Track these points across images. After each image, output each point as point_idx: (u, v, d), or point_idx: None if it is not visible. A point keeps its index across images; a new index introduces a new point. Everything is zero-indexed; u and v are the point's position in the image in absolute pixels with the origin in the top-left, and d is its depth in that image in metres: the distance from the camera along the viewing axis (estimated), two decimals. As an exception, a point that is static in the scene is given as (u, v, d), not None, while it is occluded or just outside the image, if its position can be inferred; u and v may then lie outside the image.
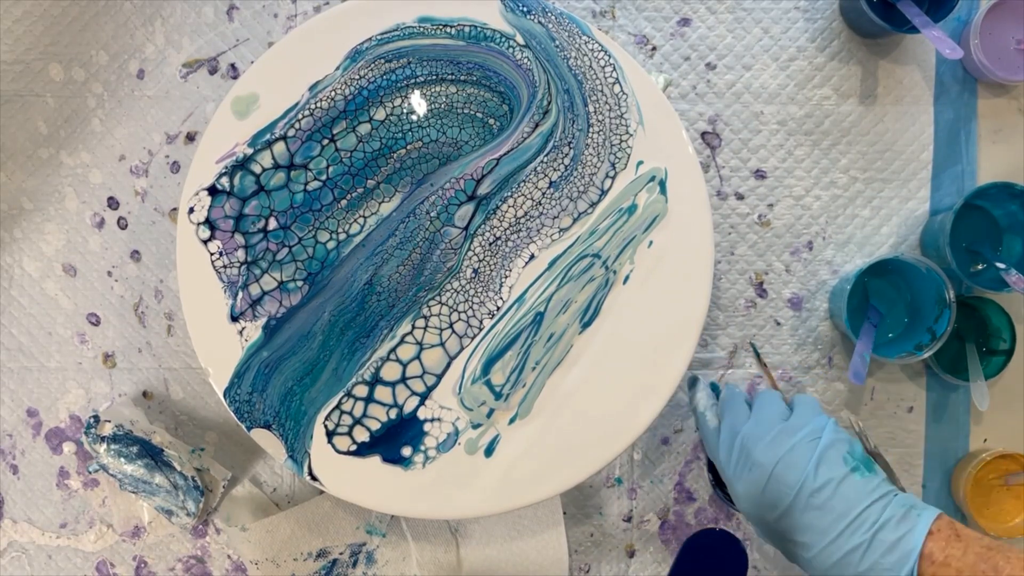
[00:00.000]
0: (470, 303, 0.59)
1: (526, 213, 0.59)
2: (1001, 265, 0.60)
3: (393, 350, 0.59)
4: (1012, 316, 0.63)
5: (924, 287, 0.62)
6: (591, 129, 0.59)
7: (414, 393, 0.59)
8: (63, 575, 0.66)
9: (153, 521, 0.66)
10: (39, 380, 0.67)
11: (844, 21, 0.67)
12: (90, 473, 0.64)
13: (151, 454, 0.63)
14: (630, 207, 0.59)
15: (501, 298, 0.59)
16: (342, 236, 0.59)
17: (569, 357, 0.59)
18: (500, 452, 0.58)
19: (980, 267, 0.64)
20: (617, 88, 0.59)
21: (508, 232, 0.59)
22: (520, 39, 0.60)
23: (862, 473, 0.48)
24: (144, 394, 0.67)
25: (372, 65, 0.60)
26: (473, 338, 0.59)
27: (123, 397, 0.67)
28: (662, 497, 0.66)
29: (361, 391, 0.59)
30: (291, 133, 0.59)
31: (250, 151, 0.59)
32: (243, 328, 0.59)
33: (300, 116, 0.59)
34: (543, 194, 0.59)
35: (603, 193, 0.59)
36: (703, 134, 0.67)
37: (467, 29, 0.60)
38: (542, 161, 0.59)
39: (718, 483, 0.62)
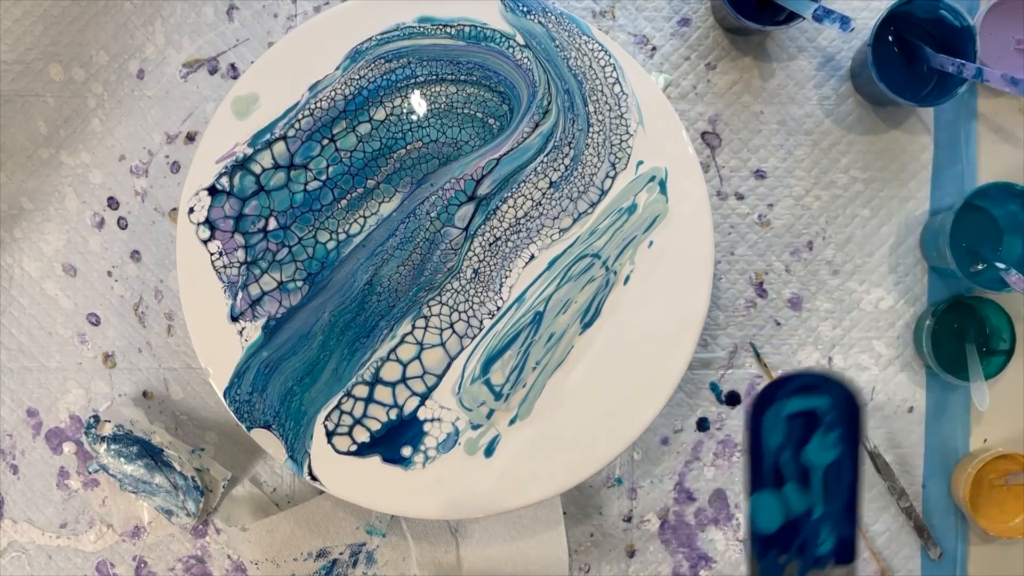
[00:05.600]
0: (470, 303, 0.59)
1: (526, 213, 0.59)
2: (1001, 265, 0.60)
3: (393, 350, 0.59)
4: (1012, 316, 0.63)
5: None
6: (591, 129, 0.59)
7: (414, 393, 0.59)
8: (63, 575, 0.66)
9: (153, 521, 0.66)
10: (39, 380, 0.67)
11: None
12: (90, 473, 0.64)
13: (151, 454, 0.63)
14: (630, 207, 0.59)
15: (501, 298, 0.59)
16: (342, 236, 0.59)
17: (570, 358, 0.59)
18: (500, 452, 0.58)
19: (980, 267, 0.63)
20: (617, 88, 0.59)
21: (508, 232, 0.59)
22: (520, 39, 0.60)
23: None
24: (144, 394, 0.67)
25: (372, 65, 0.60)
26: (473, 338, 0.59)
27: (123, 397, 0.67)
28: (662, 497, 0.66)
29: (361, 391, 0.59)
30: (291, 133, 0.59)
31: (250, 151, 0.59)
32: (243, 328, 0.59)
33: (300, 116, 0.59)
34: (543, 194, 0.59)
35: (603, 193, 0.59)
36: (703, 134, 0.67)
37: (467, 29, 0.60)
38: (542, 161, 0.59)
39: None
